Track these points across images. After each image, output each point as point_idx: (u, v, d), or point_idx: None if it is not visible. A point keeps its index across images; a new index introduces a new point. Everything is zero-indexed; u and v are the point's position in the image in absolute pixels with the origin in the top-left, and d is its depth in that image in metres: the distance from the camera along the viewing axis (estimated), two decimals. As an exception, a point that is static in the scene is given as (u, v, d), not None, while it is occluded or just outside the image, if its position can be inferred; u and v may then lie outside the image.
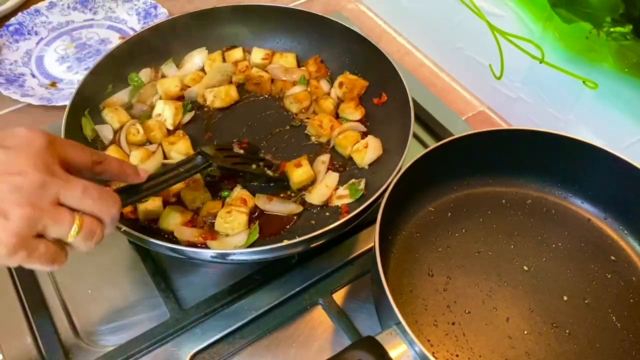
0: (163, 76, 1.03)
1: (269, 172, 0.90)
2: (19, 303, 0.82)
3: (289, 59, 1.07)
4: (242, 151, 0.89)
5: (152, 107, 0.98)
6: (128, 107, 0.98)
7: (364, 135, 0.97)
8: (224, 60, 1.07)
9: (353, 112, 0.99)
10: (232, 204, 0.85)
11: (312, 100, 1.02)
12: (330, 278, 0.86)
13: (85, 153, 0.61)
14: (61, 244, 0.57)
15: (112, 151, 0.90)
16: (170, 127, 0.96)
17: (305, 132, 0.98)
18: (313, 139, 0.97)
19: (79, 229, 0.55)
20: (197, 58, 1.06)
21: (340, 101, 1.02)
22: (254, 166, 0.89)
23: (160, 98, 0.99)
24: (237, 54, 1.07)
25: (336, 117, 1.00)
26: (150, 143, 0.94)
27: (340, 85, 1.02)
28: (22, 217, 0.51)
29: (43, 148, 0.55)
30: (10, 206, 0.51)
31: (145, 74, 1.01)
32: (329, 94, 1.03)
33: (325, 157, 0.93)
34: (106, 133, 0.93)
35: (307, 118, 1.00)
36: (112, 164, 0.65)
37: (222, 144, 0.89)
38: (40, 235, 0.54)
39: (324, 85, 1.04)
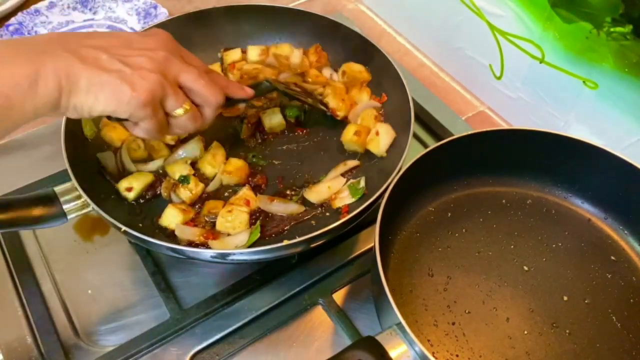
0: None
1: (322, 107, 0.95)
2: (19, 303, 0.82)
3: (285, 49, 1.05)
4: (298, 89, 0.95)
5: None
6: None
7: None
8: (222, 64, 1.06)
9: (359, 94, 1.00)
10: (234, 203, 0.85)
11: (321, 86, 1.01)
12: (330, 278, 0.86)
13: (199, 62, 0.74)
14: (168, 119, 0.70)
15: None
16: (172, 142, 0.93)
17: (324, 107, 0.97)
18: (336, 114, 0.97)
19: (185, 110, 0.69)
20: None
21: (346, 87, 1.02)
22: (310, 100, 0.94)
23: None
24: (234, 55, 1.07)
25: None
26: (153, 159, 0.92)
27: (343, 74, 1.02)
28: (155, 81, 0.64)
29: (173, 43, 0.70)
30: (147, 72, 0.64)
31: None
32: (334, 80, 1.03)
33: (352, 162, 0.93)
34: (109, 160, 0.90)
35: (321, 95, 1.00)
36: (220, 78, 0.77)
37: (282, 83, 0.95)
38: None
39: (326, 73, 1.04)
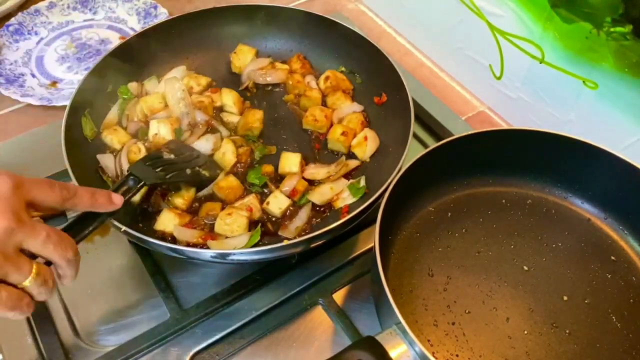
0: (146, 93, 1.00)
1: (205, 173, 0.88)
2: (19, 303, 0.82)
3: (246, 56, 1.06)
4: (172, 156, 0.86)
5: (147, 122, 0.96)
6: (125, 126, 0.96)
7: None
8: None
9: (343, 100, 1.00)
10: (236, 207, 0.85)
11: (298, 95, 1.03)
12: (330, 278, 0.86)
13: (54, 191, 0.61)
14: (23, 292, 0.58)
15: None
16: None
17: (302, 127, 0.99)
18: (312, 134, 0.98)
19: (35, 276, 0.57)
20: (175, 74, 1.03)
21: (324, 95, 1.03)
22: (188, 170, 0.87)
23: (146, 115, 0.97)
24: (248, 54, 1.07)
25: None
26: None
27: (327, 79, 1.03)
28: None
29: (9, 194, 0.56)
30: None
31: (132, 87, 0.99)
32: (312, 88, 1.04)
33: (353, 163, 0.94)
34: (107, 162, 0.90)
35: (296, 104, 1.02)
36: (83, 197, 0.65)
37: (151, 154, 0.86)
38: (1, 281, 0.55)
39: (309, 81, 1.05)
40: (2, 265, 0.54)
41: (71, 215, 0.78)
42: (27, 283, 0.57)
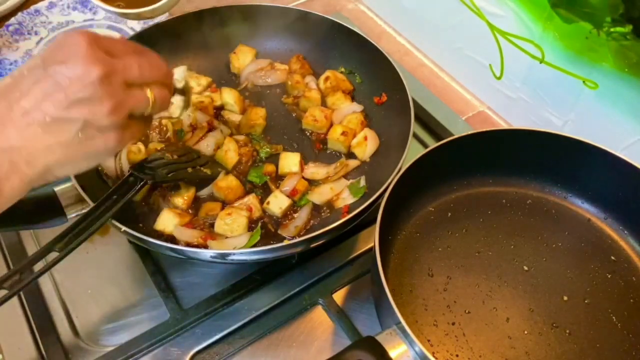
0: None
1: (206, 171, 0.89)
2: (19, 303, 0.82)
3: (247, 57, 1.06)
4: (174, 156, 0.87)
5: None
6: None
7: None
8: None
9: (342, 100, 1.00)
10: (236, 206, 0.85)
11: (297, 96, 1.03)
12: (330, 278, 0.86)
13: (125, 44, 0.64)
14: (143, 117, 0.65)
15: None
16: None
17: (302, 128, 0.99)
18: (312, 134, 0.98)
19: (154, 100, 0.63)
20: (175, 74, 1.03)
21: (324, 95, 1.03)
22: (189, 169, 0.87)
23: None
24: (248, 54, 1.07)
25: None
26: None
27: (326, 79, 1.03)
28: (111, 111, 0.58)
29: (90, 48, 0.58)
30: (98, 107, 0.57)
31: None
32: (312, 88, 1.04)
33: (353, 163, 0.94)
34: (107, 163, 0.89)
35: (295, 105, 1.02)
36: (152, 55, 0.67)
37: (152, 156, 0.86)
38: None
39: (308, 81, 1.05)
40: (123, 104, 0.59)
41: (71, 215, 0.78)
42: (150, 110, 0.64)
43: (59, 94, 0.56)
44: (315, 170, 0.92)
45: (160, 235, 0.83)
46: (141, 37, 1.01)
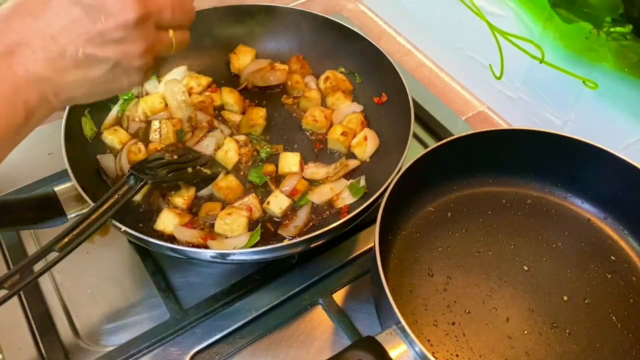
0: (147, 93, 1.00)
1: (206, 171, 0.89)
2: (19, 303, 0.82)
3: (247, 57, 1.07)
4: (175, 156, 0.87)
5: (147, 123, 0.95)
6: (126, 127, 0.96)
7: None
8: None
9: (342, 100, 1.01)
10: (236, 206, 0.85)
11: (297, 96, 1.03)
12: (330, 278, 0.86)
13: None
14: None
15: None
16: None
17: (302, 128, 0.99)
18: (311, 135, 0.98)
19: (177, 44, 0.65)
20: (176, 74, 1.03)
21: (324, 95, 1.03)
22: (189, 169, 0.87)
23: (147, 115, 0.96)
24: (248, 54, 1.07)
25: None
26: None
27: (326, 79, 1.03)
28: (142, 54, 0.60)
29: None
30: (131, 48, 0.58)
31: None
32: (312, 88, 1.04)
33: (353, 163, 0.94)
34: (107, 163, 0.90)
35: (295, 105, 1.02)
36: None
37: (152, 156, 0.86)
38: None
39: (308, 81, 1.05)
40: (153, 47, 0.61)
41: (71, 215, 0.78)
42: (173, 52, 0.66)
43: (94, 30, 0.56)
44: (315, 170, 0.92)
45: (160, 235, 0.83)
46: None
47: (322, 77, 1.04)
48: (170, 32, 0.64)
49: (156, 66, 0.66)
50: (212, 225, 0.84)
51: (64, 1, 0.55)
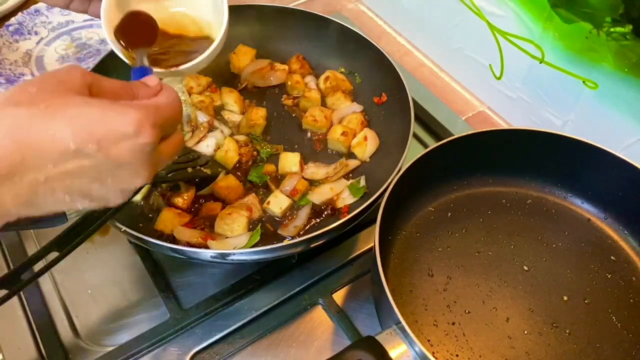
0: None
1: (206, 171, 0.89)
2: (19, 303, 0.82)
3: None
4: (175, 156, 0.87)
5: None
6: None
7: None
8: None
9: (342, 100, 1.01)
10: (236, 206, 0.85)
11: (297, 96, 1.03)
12: (330, 278, 0.86)
13: (115, 85, 0.59)
14: None
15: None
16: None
17: (302, 128, 0.99)
18: (311, 135, 0.98)
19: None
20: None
21: (323, 95, 1.03)
22: (189, 169, 0.88)
23: None
24: (248, 54, 1.07)
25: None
26: None
27: (326, 79, 1.03)
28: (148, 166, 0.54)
29: (152, 153, 0.53)
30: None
31: None
32: (312, 88, 1.04)
33: (353, 163, 0.94)
34: None
35: (295, 105, 1.02)
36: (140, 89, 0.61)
37: None
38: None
39: (308, 81, 1.05)
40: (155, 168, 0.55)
41: (71, 215, 0.78)
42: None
43: (93, 185, 0.51)
44: (315, 170, 0.92)
45: (160, 235, 0.83)
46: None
47: (322, 77, 1.04)
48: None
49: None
50: (212, 225, 0.84)
51: (79, 148, 0.49)
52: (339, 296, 0.84)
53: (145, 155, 0.52)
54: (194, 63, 0.77)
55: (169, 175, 0.83)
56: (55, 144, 0.48)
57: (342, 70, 1.06)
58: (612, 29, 0.82)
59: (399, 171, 0.77)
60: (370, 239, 0.89)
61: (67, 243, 0.67)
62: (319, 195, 0.88)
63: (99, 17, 0.76)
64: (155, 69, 0.75)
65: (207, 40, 0.81)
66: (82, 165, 0.49)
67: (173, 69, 0.76)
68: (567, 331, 0.74)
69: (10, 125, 0.47)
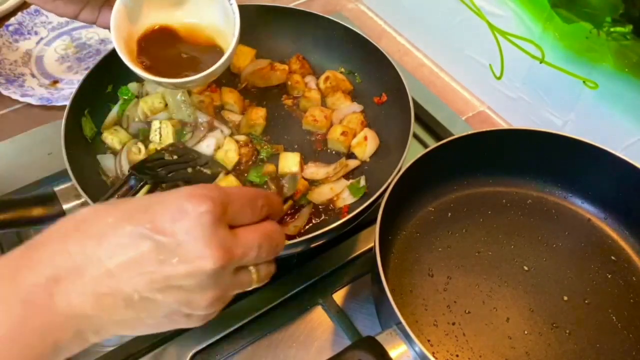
0: (147, 93, 0.99)
1: (206, 171, 0.89)
2: (19, 303, 0.82)
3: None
4: (174, 157, 0.86)
5: (148, 123, 0.95)
6: (126, 126, 0.96)
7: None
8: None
9: (342, 100, 1.01)
10: None
11: (297, 96, 1.03)
12: (330, 278, 0.86)
13: (254, 211, 0.53)
14: None
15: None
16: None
17: (302, 128, 0.99)
18: (311, 135, 0.98)
19: (257, 280, 0.55)
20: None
21: (323, 95, 1.03)
22: (189, 169, 0.87)
23: (147, 115, 0.96)
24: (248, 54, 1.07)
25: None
26: None
27: (326, 79, 1.03)
28: (211, 304, 0.50)
29: (215, 227, 0.48)
30: (198, 297, 0.48)
31: (133, 87, 0.99)
32: (312, 88, 1.04)
33: (353, 163, 0.94)
34: (107, 163, 0.90)
35: (295, 105, 1.02)
36: (274, 205, 0.56)
37: (152, 156, 0.85)
38: None
39: (308, 81, 1.05)
40: (226, 294, 0.51)
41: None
42: (252, 287, 0.55)
43: (160, 272, 0.46)
44: (315, 170, 0.92)
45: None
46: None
47: (322, 77, 1.04)
48: (252, 269, 0.53)
49: (225, 307, 0.54)
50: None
51: (134, 231, 0.46)
52: (339, 296, 0.84)
53: (206, 280, 0.48)
54: (205, 73, 0.76)
55: (169, 175, 0.83)
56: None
57: (342, 70, 1.06)
58: (612, 29, 0.82)
59: (399, 171, 0.77)
60: (370, 239, 0.89)
61: None
62: (319, 195, 0.88)
63: (107, 28, 0.76)
64: (166, 80, 0.76)
65: (217, 49, 0.81)
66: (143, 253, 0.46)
67: (184, 80, 0.75)
68: (567, 331, 0.74)
69: None
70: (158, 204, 0.48)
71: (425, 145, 1.06)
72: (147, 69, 0.79)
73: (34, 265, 0.46)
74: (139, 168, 0.79)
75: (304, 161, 0.93)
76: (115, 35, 0.75)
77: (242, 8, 1.07)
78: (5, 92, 1.11)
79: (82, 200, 0.77)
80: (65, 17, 0.82)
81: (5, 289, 0.45)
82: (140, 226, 0.46)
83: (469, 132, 0.82)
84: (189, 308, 0.49)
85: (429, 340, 0.73)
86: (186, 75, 0.76)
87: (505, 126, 1.11)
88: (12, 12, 1.28)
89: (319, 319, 0.82)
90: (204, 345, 0.78)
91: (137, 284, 0.46)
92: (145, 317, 0.48)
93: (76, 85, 0.91)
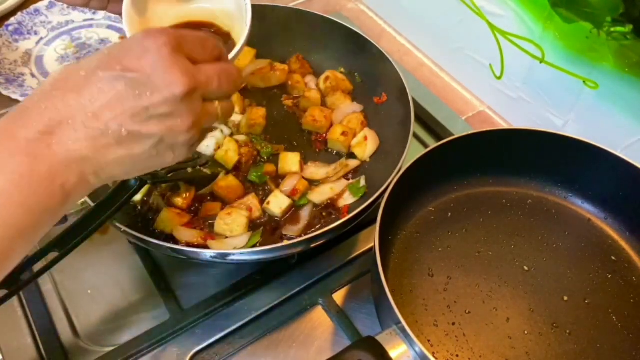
0: None
1: (206, 171, 0.89)
2: (18, 303, 0.82)
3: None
4: None
5: None
6: None
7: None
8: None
9: (342, 100, 1.01)
10: (236, 206, 0.85)
11: (297, 96, 1.03)
12: (330, 278, 0.86)
13: (205, 49, 0.58)
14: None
15: None
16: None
17: (302, 128, 0.99)
18: (311, 135, 0.98)
19: (223, 114, 0.60)
20: None
21: (323, 95, 1.03)
22: (189, 169, 0.88)
23: None
24: (248, 55, 1.07)
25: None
26: None
27: (326, 79, 1.03)
28: (189, 128, 0.55)
29: (175, 56, 0.53)
30: (178, 123, 0.54)
31: None
32: (312, 88, 1.04)
33: (353, 163, 0.94)
34: None
35: (295, 105, 1.02)
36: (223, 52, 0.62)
37: None
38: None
39: (308, 81, 1.05)
40: (200, 120, 0.56)
41: (71, 215, 0.78)
42: (218, 123, 0.63)
43: (139, 106, 0.51)
44: (315, 170, 0.92)
45: (160, 235, 0.82)
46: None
47: (322, 77, 1.04)
48: (216, 102, 0.59)
49: (201, 138, 0.61)
50: (212, 225, 0.84)
51: (107, 75, 0.51)
52: (339, 296, 0.84)
53: (180, 105, 0.53)
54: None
55: (169, 175, 0.83)
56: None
57: (342, 70, 1.06)
58: (612, 29, 0.82)
59: (399, 171, 0.77)
60: (370, 239, 0.89)
61: (66, 243, 0.67)
62: (319, 195, 0.88)
63: (118, 14, 0.76)
64: None
65: (228, 37, 0.82)
66: (119, 90, 0.51)
67: None
68: (568, 331, 0.74)
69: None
70: (120, 49, 0.53)
71: (425, 145, 1.06)
72: None
73: (26, 124, 0.50)
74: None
75: (304, 161, 0.93)
76: (128, 23, 0.76)
77: (242, 8, 1.07)
78: (5, 92, 1.11)
79: (82, 200, 0.77)
80: (76, 5, 0.84)
81: (7, 144, 0.49)
82: (111, 70, 0.51)
83: (469, 132, 0.82)
84: (172, 136, 0.54)
85: (429, 341, 0.73)
86: None
87: (505, 126, 1.11)
88: (12, 12, 1.28)
89: (319, 319, 0.82)
90: (204, 345, 0.78)
91: (122, 120, 0.51)
92: (137, 151, 0.54)
93: (76, 85, 0.91)
